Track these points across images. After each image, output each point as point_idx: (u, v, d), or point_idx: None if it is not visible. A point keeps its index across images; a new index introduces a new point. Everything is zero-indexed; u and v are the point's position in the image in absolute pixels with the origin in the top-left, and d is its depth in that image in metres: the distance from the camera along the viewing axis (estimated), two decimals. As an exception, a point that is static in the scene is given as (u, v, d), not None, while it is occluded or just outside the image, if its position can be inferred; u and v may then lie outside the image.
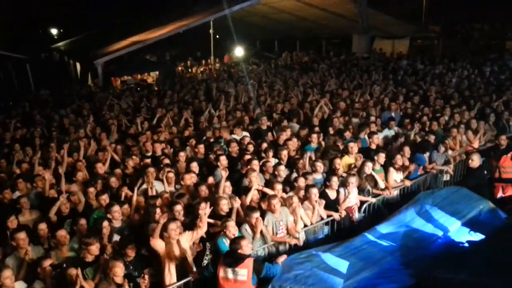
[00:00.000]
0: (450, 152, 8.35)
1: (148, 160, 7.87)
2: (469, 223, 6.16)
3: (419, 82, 14.37)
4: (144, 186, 6.66)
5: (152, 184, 6.61)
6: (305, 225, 6.09)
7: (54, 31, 38.21)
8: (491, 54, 20.29)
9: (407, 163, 7.65)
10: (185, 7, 27.31)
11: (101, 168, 7.34)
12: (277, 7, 25.63)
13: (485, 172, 7.52)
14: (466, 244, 5.78)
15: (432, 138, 8.44)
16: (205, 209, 5.30)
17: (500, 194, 7.71)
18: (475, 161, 7.15)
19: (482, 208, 6.39)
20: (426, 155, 7.97)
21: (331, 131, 9.15)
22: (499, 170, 7.83)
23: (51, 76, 22.77)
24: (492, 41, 25.99)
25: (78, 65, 22.50)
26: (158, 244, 4.97)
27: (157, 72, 21.98)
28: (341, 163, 7.38)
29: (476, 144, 8.83)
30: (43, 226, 5.52)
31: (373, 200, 6.89)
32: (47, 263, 4.79)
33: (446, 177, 8.04)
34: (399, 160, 7.44)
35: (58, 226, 5.64)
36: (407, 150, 7.71)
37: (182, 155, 7.88)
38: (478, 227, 6.04)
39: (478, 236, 5.90)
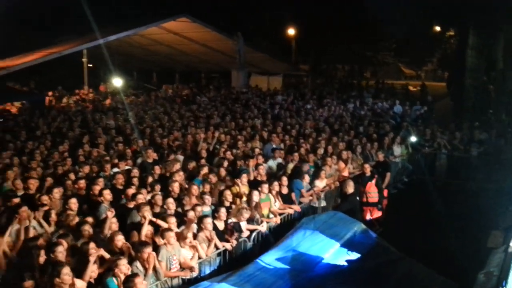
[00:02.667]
0: (325, 180, 9.13)
1: (17, 199, 7.05)
2: (346, 244, 6.79)
3: (293, 116, 15.52)
4: (16, 227, 5.97)
5: (28, 225, 5.96)
6: (199, 257, 6.07)
7: None
8: (352, 91, 22.99)
9: (285, 191, 8.19)
10: (54, 34, 25.73)
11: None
12: (155, 39, 25.63)
13: (357, 197, 8.39)
14: (345, 263, 6.37)
15: (305, 166, 9.15)
16: (94, 251, 4.97)
17: (368, 217, 8.66)
18: (350, 187, 7.95)
19: (356, 229, 7.11)
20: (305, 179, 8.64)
21: (225, 163, 9.27)
22: (366, 195, 8.81)
23: None
24: (352, 80, 29.46)
25: None
26: None
27: (23, 102, 20.00)
28: (239, 191, 7.69)
29: (346, 173, 9.82)
30: None
31: (263, 228, 7.17)
32: None
33: (324, 203, 8.76)
34: (276, 187, 7.93)
35: None
36: (284, 179, 8.26)
37: (56, 192, 7.27)
38: (354, 247, 6.71)
39: (355, 255, 6.54)
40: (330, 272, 6.10)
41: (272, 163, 9.65)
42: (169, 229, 5.82)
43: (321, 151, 10.65)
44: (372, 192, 8.80)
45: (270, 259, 6.18)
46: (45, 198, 6.84)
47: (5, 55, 19.16)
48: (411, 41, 37.37)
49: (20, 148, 10.62)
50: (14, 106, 19.44)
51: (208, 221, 6.22)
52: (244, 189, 7.93)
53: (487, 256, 5.44)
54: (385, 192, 9.57)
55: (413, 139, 12.45)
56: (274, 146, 10.96)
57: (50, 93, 23.07)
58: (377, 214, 8.71)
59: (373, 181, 8.85)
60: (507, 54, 17.51)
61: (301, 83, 28.48)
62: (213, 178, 8.35)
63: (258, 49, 26.18)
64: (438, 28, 38.61)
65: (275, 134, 11.80)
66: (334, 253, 6.54)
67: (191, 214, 6.46)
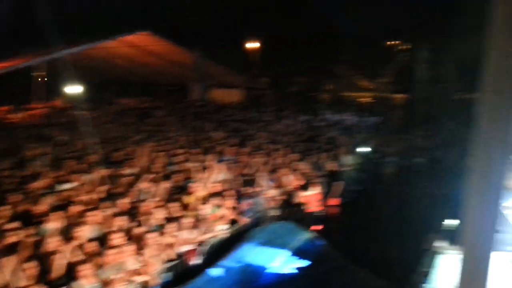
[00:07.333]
0: (278, 190, 9.28)
1: None
2: (294, 252, 6.98)
3: (250, 129, 15.69)
4: None
5: None
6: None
7: None
8: (310, 104, 23.52)
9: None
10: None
11: None
12: (115, 52, 25.29)
13: (305, 207, 8.61)
14: (292, 271, 6.54)
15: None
16: None
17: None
18: (299, 197, 8.16)
19: (304, 238, 7.34)
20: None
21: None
22: (309, 204, 9.02)
23: None
24: (310, 92, 30.11)
25: None
26: None
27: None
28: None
29: (297, 183, 9.99)
30: None
31: (212, 240, 7.22)
32: None
33: (275, 212, 8.91)
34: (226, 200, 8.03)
35: None
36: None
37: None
38: (302, 255, 6.91)
39: (302, 263, 6.73)
40: (277, 280, 6.25)
41: (220, 176, 9.60)
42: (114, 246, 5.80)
43: (274, 161, 10.85)
44: (314, 201, 9.04)
45: (219, 271, 6.27)
46: None
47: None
48: (367, 54, 38.56)
49: None
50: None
51: (151, 236, 6.27)
52: (193, 200, 8.02)
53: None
54: (336, 201, 9.86)
55: (364, 148, 12.90)
56: (227, 158, 11.05)
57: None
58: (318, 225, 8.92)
59: (317, 191, 9.09)
60: (452, 68, 18.58)
61: (261, 96, 28.82)
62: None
63: (218, 62, 26.34)
64: (394, 42, 40.03)
65: (229, 147, 11.90)
66: (281, 262, 6.69)
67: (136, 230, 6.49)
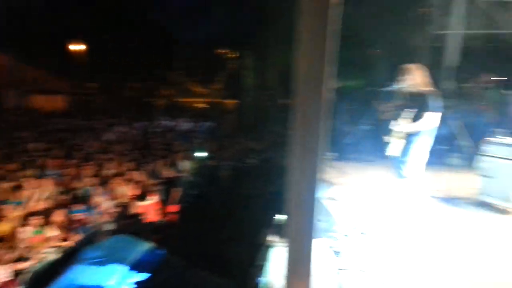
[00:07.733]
0: (113, 202, 8.78)
1: None
2: (133, 266, 6.63)
3: (78, 138, 14.54)
4: None
5: None
6: None
7: None
8: (143, 110, 22.96)
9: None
10: None
11: None
12: None
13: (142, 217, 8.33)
14: (135, 285, 6.20)
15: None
16: None
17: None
18: (135, 207, 7.85)
19: (143, 249, 7.02)
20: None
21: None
22: (146, 213, 8.82)
23: None
24: (143, 98, 29.45)
25: None
26: None
27: None
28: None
29: (132, 193, 9.61)
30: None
31: (37, 263, 6.42)
32: None
33: (110, 226, 8.41)
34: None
35: None
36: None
37: None
38: (142, 268, 6.62)
39: (143, 276, 6.44)
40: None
41: (43, 193, 8.65)
42: None
43: (106, 172, 10.25)
44: (152, 210, 8.86)
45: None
46: None
47: None
48: (200, 61, 39.55)
49: None
50: None
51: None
52: (7, 223, 7.01)
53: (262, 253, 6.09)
54: (175, 208, 9.80)
55: (201, 153, 13.14)
56: (51, 172, 10.01)
57: None
58: (157, 234, 8.79)
59: (154, 200, 8.93)
60: (278, 74, 20.29)
61: (90, 102, 26.98)
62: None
63: (36, 65, 23.67)
64: (225, 50, 41.91)
65: (54, 159, 10.79)
66: (119, 279, 6.29)
67: None
